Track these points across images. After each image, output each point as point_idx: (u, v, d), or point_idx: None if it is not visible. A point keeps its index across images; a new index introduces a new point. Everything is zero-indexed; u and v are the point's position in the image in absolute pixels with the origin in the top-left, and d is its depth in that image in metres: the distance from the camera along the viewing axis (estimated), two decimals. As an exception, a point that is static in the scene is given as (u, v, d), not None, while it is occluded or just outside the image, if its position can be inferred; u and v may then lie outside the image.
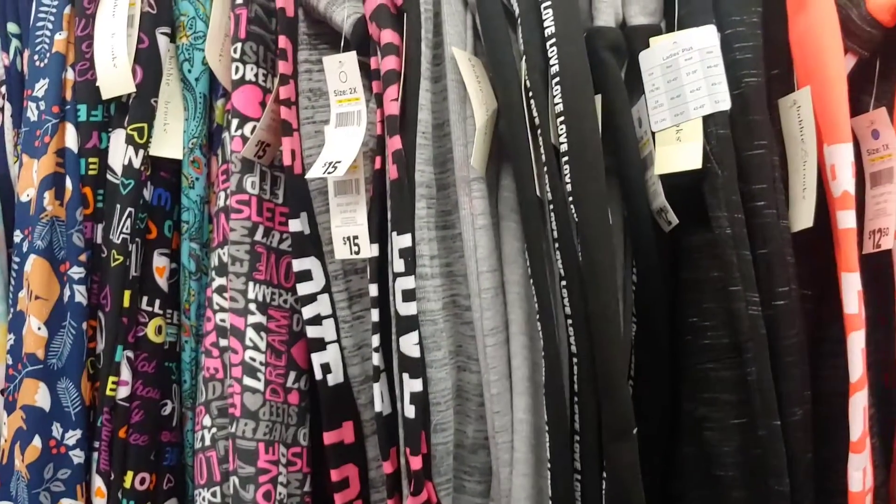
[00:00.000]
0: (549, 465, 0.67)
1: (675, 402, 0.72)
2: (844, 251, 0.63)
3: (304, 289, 0.72)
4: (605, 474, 0.65)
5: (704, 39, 0.66)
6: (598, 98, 0.68)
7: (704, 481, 0.69)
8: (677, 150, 0.66)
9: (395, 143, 0.67)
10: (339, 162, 0.68)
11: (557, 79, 0.65)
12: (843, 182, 0.63)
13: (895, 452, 0.68)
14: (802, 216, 0.65)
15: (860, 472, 0.63)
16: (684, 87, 0.66)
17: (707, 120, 0.65)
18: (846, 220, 0.63)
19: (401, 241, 0.67)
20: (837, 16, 0.66)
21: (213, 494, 0.75)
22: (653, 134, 0.68)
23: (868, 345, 0.66)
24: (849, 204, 0.63)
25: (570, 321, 0.66)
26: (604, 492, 0.65)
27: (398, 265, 0.67)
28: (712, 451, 0.68)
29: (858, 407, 0.63)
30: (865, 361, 0.63)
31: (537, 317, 0.67)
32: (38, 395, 0.77)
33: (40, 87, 0.80)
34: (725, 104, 0.65)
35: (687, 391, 0.70)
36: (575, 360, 0.66)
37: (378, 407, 0.70)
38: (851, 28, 0.66)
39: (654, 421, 0.71)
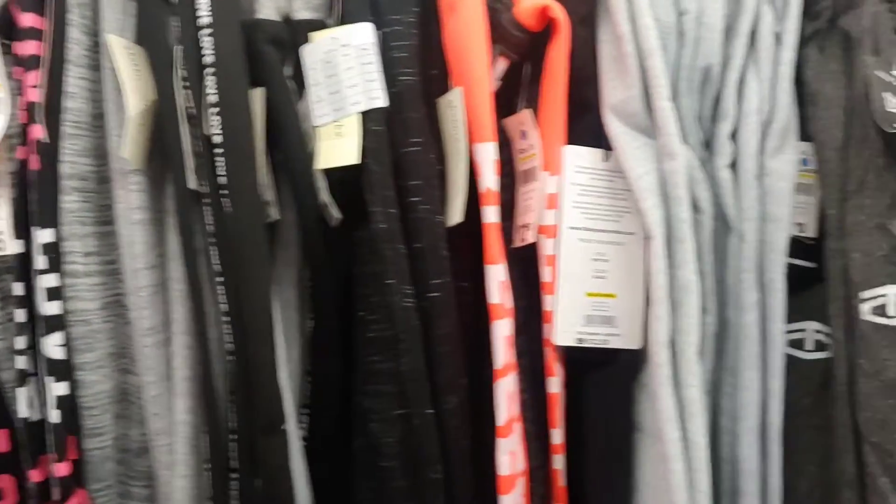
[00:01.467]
0: (206, 466, 0.65)
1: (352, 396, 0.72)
2: (488, 245, 0.65)
3: (-54, 289, 0.66)
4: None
5: (361, 36, 0.66)
6: (261, 91, 0.67)
7: (373, 473, 0.70)
8: (337, 145, 0.66)
9: (36, 131, 0.64)
10: (-28, 151, 0.63)
11: (211, 69, 0.63)
12: (487, 179, 0.65)
13: (551, 436, 0.71)
14: (455, 212, 0.67)
15: (508, 456, 0.66)
16: (342, 83, 0.66)
17: (364, 116, 0.65)
18: (489, 215, 0.65)
19: (43, 235, 0.64)
20: (489, 19, 0.68)
21: None
22: (315, 129, 0.68)
23: (522, 333, 0.70)
24: (492, 200, 0.65)
25: (226, 318, 0.64)
26: (256, 488, 0.64)
27: (40, 262, 0.64)
28: (377, 442, 0.69)
29: (503, 393, 0.65)
30: (510, 349, 0.65)
31: (198, 315, 0.65)
32: None
33: None
34: (381, 101, 0.66)
35: (357, 384, 0.71)
36: (230, 357, 0.65)
37: (24, 412, 0.65)
38: (502, 32, 0.68)
39: (327, 415, 0.71)
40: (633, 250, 0.70)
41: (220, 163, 0.63)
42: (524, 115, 0.69)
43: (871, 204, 0.65)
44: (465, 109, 0.67)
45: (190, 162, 0.65)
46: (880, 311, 0.64)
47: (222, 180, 0.63)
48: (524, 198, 0.70)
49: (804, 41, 0.71)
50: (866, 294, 0.64)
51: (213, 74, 0.63)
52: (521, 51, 0.69)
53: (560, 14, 0.67)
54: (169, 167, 0.69)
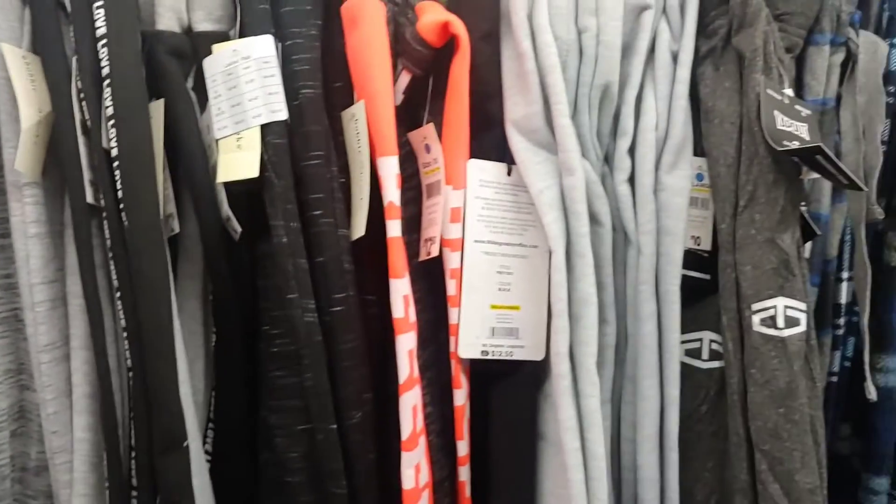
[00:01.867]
0: (107, 484, 0.64)
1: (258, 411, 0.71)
2: (392, 259, 0.65)
3: None
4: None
5: (261, 49, 0.66)
6: (161, 103, 0.67)
7: (278, 488, 0.69)
8: (237, 158, 0.66)
9: (-77, 144, 0.62)
10: None
11: (108, 81, 0.62)
12: (389, 193, 0.65)
13: (457, 447, 0.71)
14: (358, 225, 0.67)
15: (412, 470, 0.66)
16: (244, 96, 0.66)
17: (264, 129, 0.65)
18: (393, 229, 0.65)
19: (-69, 250, 0.62)
20: (394, 33, 0.69)
21: None
22: (217, 141, 0.67)
23: (429, 345, 0.70)
24: (394, 214, 0.65)
25: (125, 333, 0.63)
26: (157, 507, 0.64)
27: (-72, 277, 0.62)
28: (282, 457, 0.68)
29: (408, 407, 0.65)
30: (414, 362, 0.66)
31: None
32: None
33: None
34: (282, 114, 0.65)
35: (262, 399, 0.70)
36: (130, 373, 0.64)
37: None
38: (405, 47, 0.69)
39: (232, 430, 0.71)
40: (537, 263, 0.72)
41: (118, 176, 0.62)
42: (427, 129, 0.70)
43: (760, 219, 0.67)
44: (368, 123, 0.67)
45: (87, 175, 0.64)
46: (770, 322, 0.66)
47: (120, 194, 0.62)
48: (429, 211, 0.71)
49: (700, 59, 0.73)
50: (757, 306, 0.67)
51: (110, 86, 0.62)
52: (425, 66, 0.70)
53: (461, 30, 0.67)
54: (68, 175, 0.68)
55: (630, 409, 0.71)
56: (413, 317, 0.66)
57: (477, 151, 0.70)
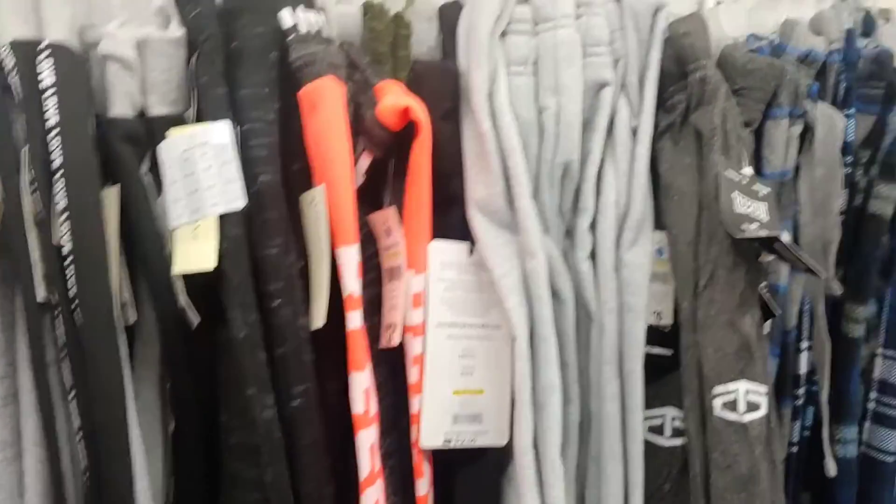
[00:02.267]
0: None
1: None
2: (351, 351, 0.64)
3: None
4: None
5: (219, 135, 0.64)
6: (116, 189, 0.65)
7: (240, 581, 0.68)
8: (194, 248, 0.64)
9: None
10: None
11: (60, 173, 0.61)
12: (349, 284, 0.64)
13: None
14: (318, 315, 0.66)
15: (375, 564, 0.65)
16: (200, 183, 0.64)
17: (222, 219, 0.64)
18: (353, 320, 0.64)
19: None
20: (354, 113, 0.68)
21: None
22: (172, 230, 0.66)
23: (391, 433, 0.69)
24: (354, 305, 0.64)
25: (80, 433, 0.62)
26: None
27: None
28: (245, 550, 0.67)
29: (370, 502, 0.64)
30: (375, 456, 0.65)
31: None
32: None
33: None
34: (240, 203, 0.64)
35: (223, 489, 0.69)
36: (86, 475, 0.62)
37: None
38: (366, 129, 0.68)
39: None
40: (501, 343, 0.71)
41: (71, 272, 0.61)
42: (388, 213, 0.69)
43: (721, 300, 0.67)
44: (328, 210, 0.66)
45: (39, 272, 0.62)
46: (731, 406, 0.66)
47: (73, 291, 0.61)
48: (390, 296, 0.70)
49: (659, 134, 0.74)
50: (718, 389, 0.67)
51: (62, 178, 0.61)
52: (385, 148, 0.69)
53: (422, 115, 0.67)
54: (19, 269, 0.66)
55: (594, 493, 0.71)
56: (374, 409, 0.65)
57: (438, 230, 0.70)
